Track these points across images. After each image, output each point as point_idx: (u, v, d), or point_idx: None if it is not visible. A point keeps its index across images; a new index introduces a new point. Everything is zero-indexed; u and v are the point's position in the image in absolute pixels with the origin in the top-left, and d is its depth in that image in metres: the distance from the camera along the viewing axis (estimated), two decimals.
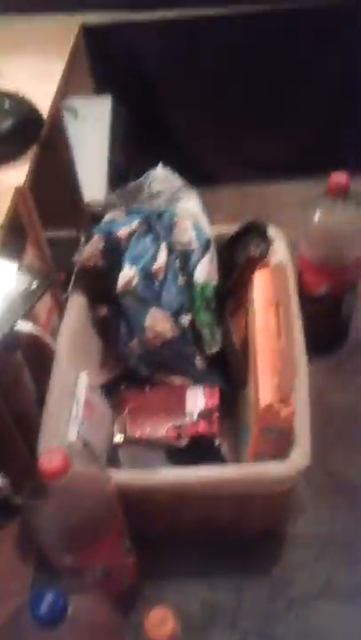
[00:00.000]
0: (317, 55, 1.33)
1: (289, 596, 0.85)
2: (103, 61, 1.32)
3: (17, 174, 0.90)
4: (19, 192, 0.88)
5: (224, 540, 0.88)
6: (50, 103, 1.01)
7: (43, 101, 0.99)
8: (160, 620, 0.67)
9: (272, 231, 1.04)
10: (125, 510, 0.78)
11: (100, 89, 1.35)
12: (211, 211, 1.08)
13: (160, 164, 1.08)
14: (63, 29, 1.21)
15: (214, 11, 1.27)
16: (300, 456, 0.78)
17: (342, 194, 0.97)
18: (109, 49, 1.31)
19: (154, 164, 1.09)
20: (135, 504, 0.82)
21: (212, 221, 1.05)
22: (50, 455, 0.66)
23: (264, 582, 0.87)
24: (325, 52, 1.32)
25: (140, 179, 1.08)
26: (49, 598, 0.57)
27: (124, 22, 1.28)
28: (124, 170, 1.30)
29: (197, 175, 1.22)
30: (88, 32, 1.25)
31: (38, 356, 0.89)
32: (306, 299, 1.07)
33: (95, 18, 1.26)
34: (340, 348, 1.14)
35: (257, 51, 1.32)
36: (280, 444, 0.81)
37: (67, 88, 1.13)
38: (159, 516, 0.87)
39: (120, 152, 1.28)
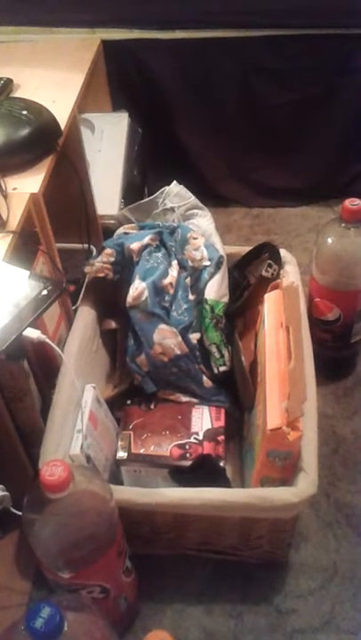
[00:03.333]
0: (333, 83, 1.33)
1: (290, 626, 0.83)
2: (121, 78, 1.33)
3: (32, 182, 0.89)
4: (33, 199, 0.87)
5: (226, 566, 0.86)
6: (68, 114, 1.01)
7: (61, 112, 0.99)
8: None
9: (284, 254, 1.04)
10: (127, 529, 0.76)
11: (117, 105, 1.36)
12: (221, 231, 1.07)
13: (174, 182, 1.08)
14: (84, 44, 1.22)
15: (233, 33, 1.28)
16: (306, 484, 0.76)
17: (355, 220, 0.97)
18: (127, 65, 1.32)
19: (167, 183, 1.09)
20: (137, 523, 0.80)
21: (223, 242, 1.05)
22: (52, 467, 0.64)
23: (265, 611, 0.84)
24: (340, 80, 1.33)
25: (155, 195, 1.08)
26: (45, 613, 0.56)
27: (142, 40, 1.29)
28: (138, 186, 1.30)
29: (209, 196, 1.22)
30: (108, 48, 1.26)
31: (44, 366, 0.88)
32: (316, 323, 1.06)
33: (115, 34, 1.27)
34: (348, 376, 1.13)
35: (271, 75, 1.33)
36: (286, 469, 0.79)
37: (85, 103, 1.13)
38: (161, 537, 0.85)
39: (135, 168, 1.28)
